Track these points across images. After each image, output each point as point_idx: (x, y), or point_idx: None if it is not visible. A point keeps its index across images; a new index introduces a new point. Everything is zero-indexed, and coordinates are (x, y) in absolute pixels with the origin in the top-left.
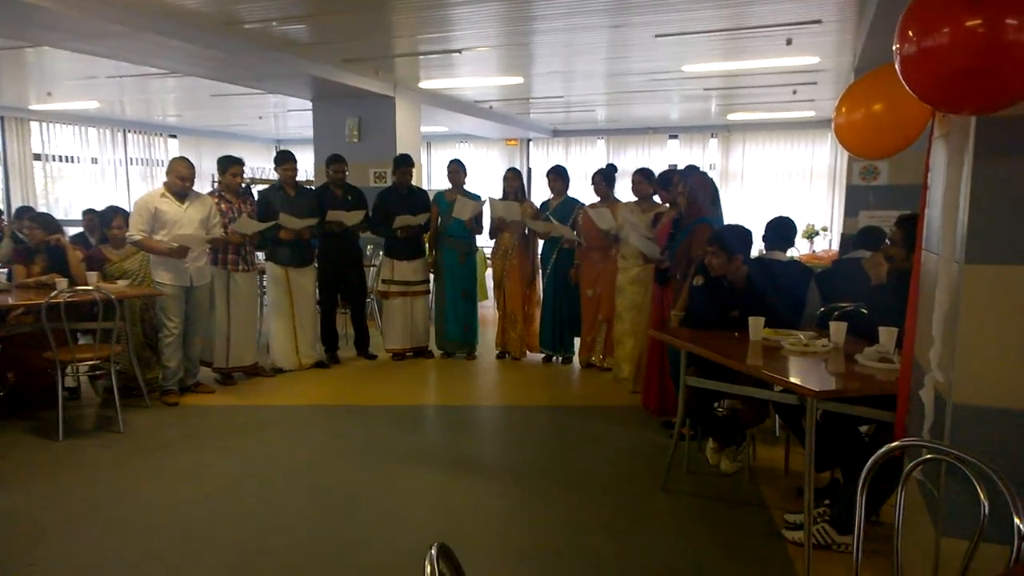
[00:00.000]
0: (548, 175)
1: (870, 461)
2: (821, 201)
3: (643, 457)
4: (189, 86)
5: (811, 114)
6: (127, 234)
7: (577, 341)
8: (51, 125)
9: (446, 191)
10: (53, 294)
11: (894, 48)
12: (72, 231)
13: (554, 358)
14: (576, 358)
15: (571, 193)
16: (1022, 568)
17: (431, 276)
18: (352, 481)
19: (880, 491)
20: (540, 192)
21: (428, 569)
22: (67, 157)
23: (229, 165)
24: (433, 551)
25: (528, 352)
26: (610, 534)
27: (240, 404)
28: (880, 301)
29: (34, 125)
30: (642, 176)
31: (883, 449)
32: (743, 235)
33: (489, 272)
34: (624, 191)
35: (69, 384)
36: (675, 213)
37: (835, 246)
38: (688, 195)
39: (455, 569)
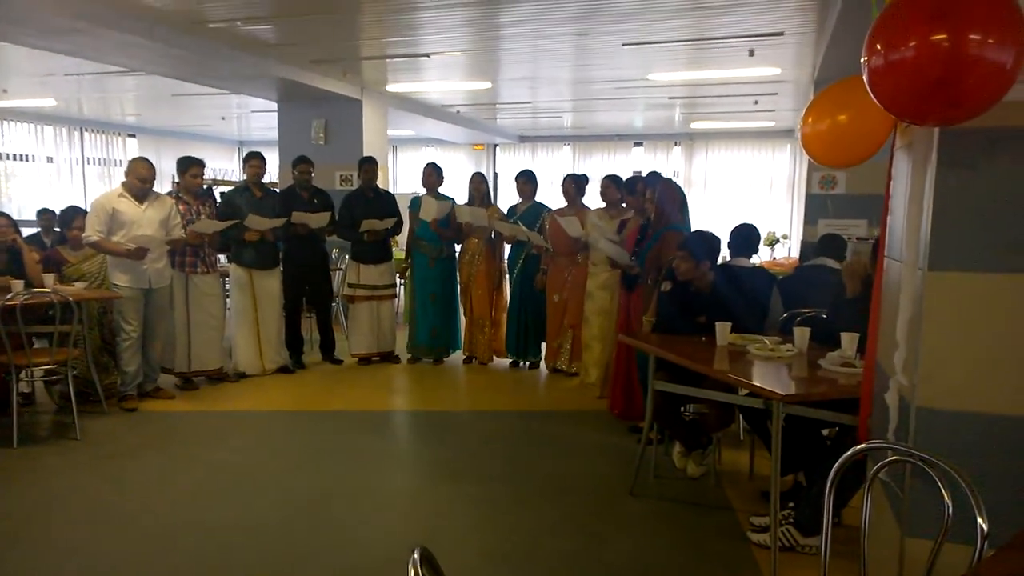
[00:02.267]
0: (517, 179)
1: (837, 463)
2: (781, 209)
3: (611, 461)
4: (150, 85)
5: (771, 124)
6: (84, 235)
7: (544, 346)
8: (5, 122)
9: (423, 195)
10: (8, 296)
11: (862, 60)
12: (26, 231)
13: (521, 363)
14: (543, 363)
15: (538, 199)
16: (986, 567)
17: (399, 280)
18: (318, 486)
19: (842, 493)
20: (506, 197)
21: (412, 574)
22: (22, 156)
23: (189, 166)
24: (416, 555)
25: (495, 357)
26: (579, 537)
27: (202, 410)
28: (852, 311)
29: None
30: (611, 182)
31: (850, 451)
32: (711, 242)
33: (457, 277)
34: (592, 198)
35: (24, 390)
36: (641, 220)
37: (795, 253)
38: (656, 202)
39: (436, 573)
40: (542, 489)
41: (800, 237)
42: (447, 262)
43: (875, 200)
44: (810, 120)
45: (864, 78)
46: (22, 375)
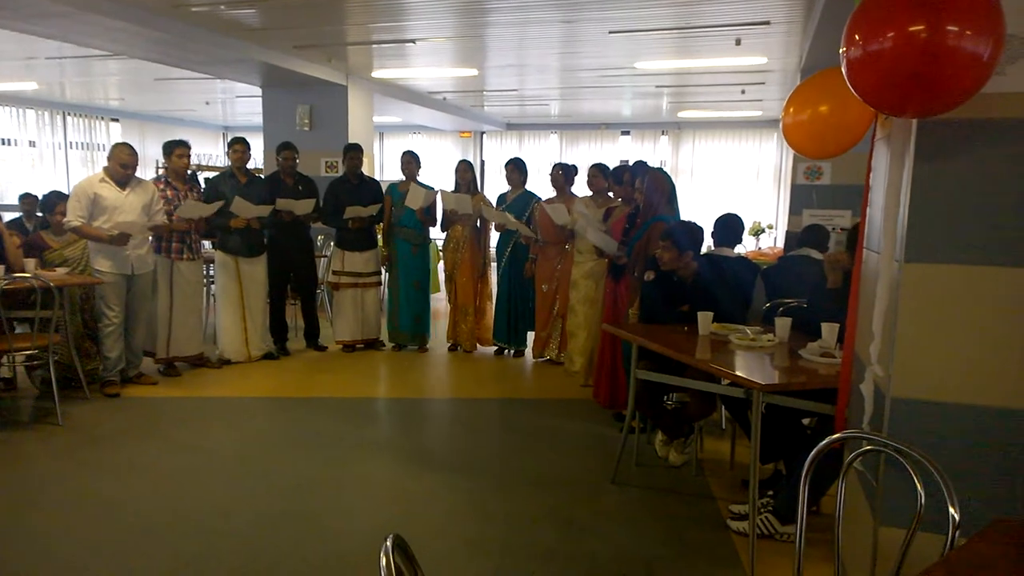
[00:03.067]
0: (506, 166)
1: (812, 452)
2: (767, 199)
3: (593, 449)
4: (133, 69)
5: (758, 114)
6: (65, 220)
7: (530, 335)
8: None
9: (400, 182)
10: None
11: (841, 51)
12: (8, 216)
13: (506, 351)
14: (528, 351)
15: (526, 187)
16: (957, 557)
17: (383, 267)
18: (301, 474)
19: (821, 482)
20: (493, 185)
21: (384, 561)
22: (3, 140)
23: (174, 147)
24: (388, 543)
25: (479, 345)
26: (560, 526)
27: (184, 396)
28: (832, 302)
29: None
30: (598, 170)
31: (824, 441)
32: (695, 232)
33: (441, 264)
34: (580, 188)
35: (5, 375)
36: (629, 209)
37: (780, 243)
38: (644, 193)
39: (410, 561)
40: (524, 477)
41: (785, 227)
42: (426, 249)
43: (860, 191)
44: (791, 111)
45: (843, 69)
46: (3, 360)
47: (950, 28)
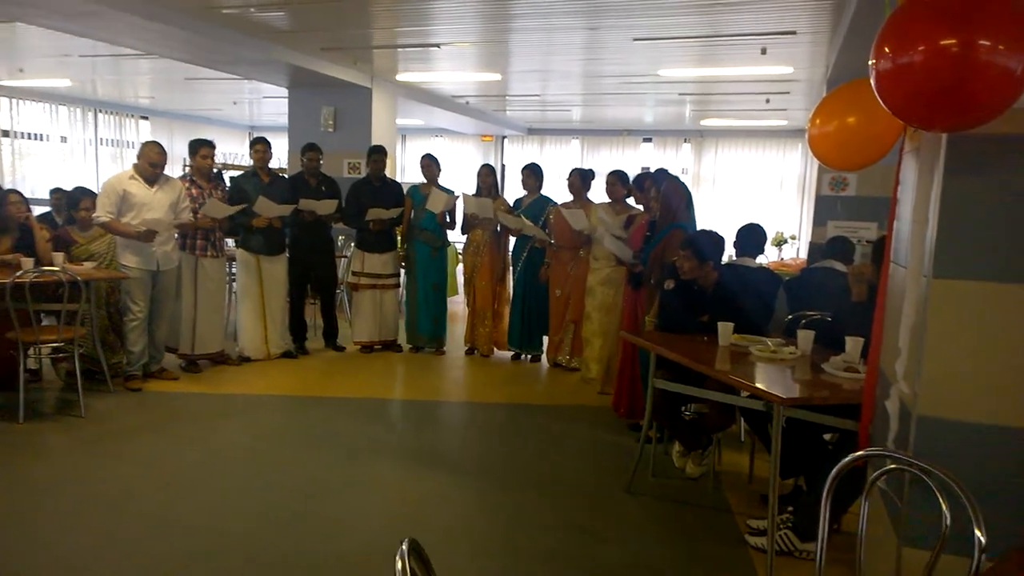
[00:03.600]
0: (522, 171)
1: (835, 470)
2: (790, 209)
3: (609, 458)
4: (163, 68)
5: (783, 123)
6: (94, 215)
7: (546, 340)
8: (21, 102)
9: (420, 185)
10: (18, 274)
11: (870, 63)
12: (38, 210)
13: (522, 356)
14: (544, 357)
15: (544, 192)
16: None
17: (402, 270)
18: (314, 472)
19: (842, 499)
20: (513, 190)
21: (399, 565)
22: (36, 135)
23: (199, 147)
24: (404, 547)
25: (496, 349)
26: (572, 533)
27: (204, 392)
28: (857, 315)
29: (3, 101)
30: (616, 178)
31: (848, 458)
32: (716, 241)
33: (460, 268)
34: (597, 193)
35: (31, 366)
36: (649, 216)
37: (803, 254)
38: (661, 200)
39: (424, 565)
40: (538, 483)
41: (808, 238)
42: (445, 252)
43: (886, 203)
44: (818, 121)
45: (871, 82)
46: (30, 352)
47: (982, 42)
